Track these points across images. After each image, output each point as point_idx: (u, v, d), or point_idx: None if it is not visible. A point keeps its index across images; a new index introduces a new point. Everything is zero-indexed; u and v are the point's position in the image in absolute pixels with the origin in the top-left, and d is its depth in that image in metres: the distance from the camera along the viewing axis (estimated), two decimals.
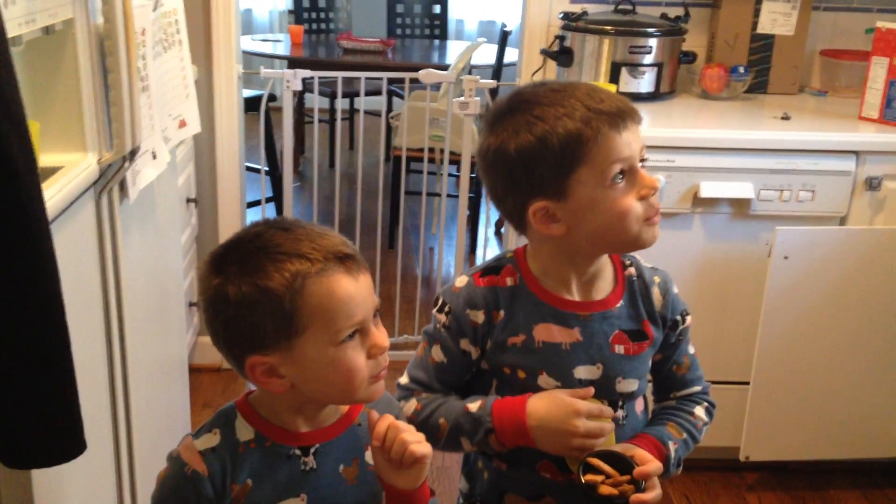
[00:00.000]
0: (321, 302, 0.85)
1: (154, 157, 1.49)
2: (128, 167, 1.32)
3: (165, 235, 1.74)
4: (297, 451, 0.93)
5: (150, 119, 1.42)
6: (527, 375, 1.08)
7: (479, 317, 1.08)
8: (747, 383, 2.05)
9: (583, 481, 1.02)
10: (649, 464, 1.04)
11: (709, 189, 1.94)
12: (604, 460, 1.03)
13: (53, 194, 1.07)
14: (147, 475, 1.54)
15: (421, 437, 0.93)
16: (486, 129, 1.05)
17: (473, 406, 1.07)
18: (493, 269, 1.10)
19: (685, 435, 1.14)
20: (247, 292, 0.84)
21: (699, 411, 1.17)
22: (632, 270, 1.13)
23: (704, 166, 1.94)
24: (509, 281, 1.09)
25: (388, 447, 0.91)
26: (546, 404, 1.04)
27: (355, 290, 0.87)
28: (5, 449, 0.90)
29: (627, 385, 1.10)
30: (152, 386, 1.62)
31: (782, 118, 2.09)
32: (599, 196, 1.01)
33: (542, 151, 0.99)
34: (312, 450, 0.93)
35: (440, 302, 1.11)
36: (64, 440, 0.92)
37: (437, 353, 1.11)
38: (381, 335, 0.90)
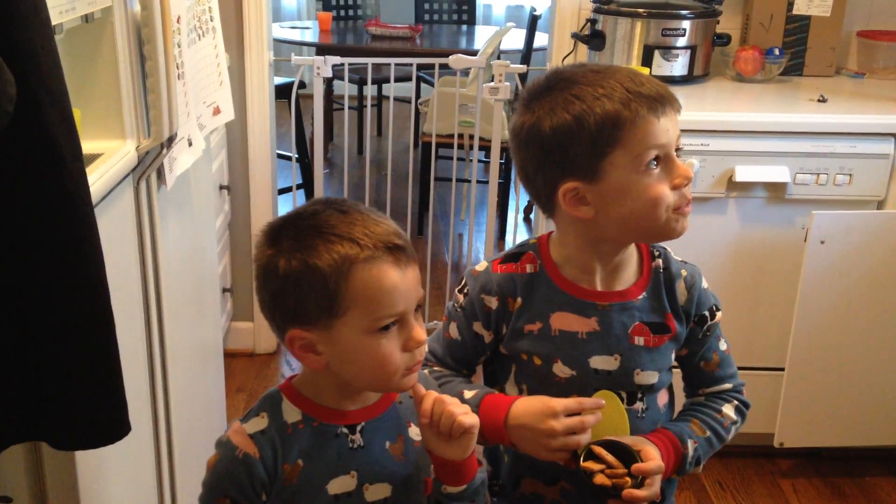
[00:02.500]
0: (365, 288, 0.86)
1: (190, 144, 1.50)
2: (165, 154, 1.34)
3: (201, 222, 1.76)
4: (345, 430, 0.94)
5: (185, 106, 1.43)
6: (542, 362, 1.08)
7: (493, 302, 1.09)
8: (782, 369, 2.03)
9: (580, 466, 1.02)
10: (650, 462, 1.02)
11: (744, 173, 1.92)
12: (609, 450, 1.03)
13: (94, 181, 1.08)
14: (185, 457, 1.56)
15: (466, 407, 0.94)
16: (521, 107, 1.04)
17: (469, 394, 1.07)
18: (513, 255, 1.11)
19: (708, 433, 1.12)
20: (295, 267, 0.86)
21: (727, 409, 1.14)
22: (659, 262, 1.11)
23: (739, 150, 1.92)
24: (529, 268, 1.09)
25: (437, 421, 0.92)
26: (525, 406, 1.03)
27: (400, 281, 0.88)
28: (53, 432, 0.92)
29: (646, 377, 1.08)
30: (189, 370, 1.64)
31: (819, 100, 2.06)
32: (632, 181, 0.99)
33: (577, 131, 0.98)
34: (359, 428, 0.95)
35: (462, 282, 1.13)
36: (109, 422, 0.94)
37: (453, 331, 1.13)
38: (419, 329, 0.90)
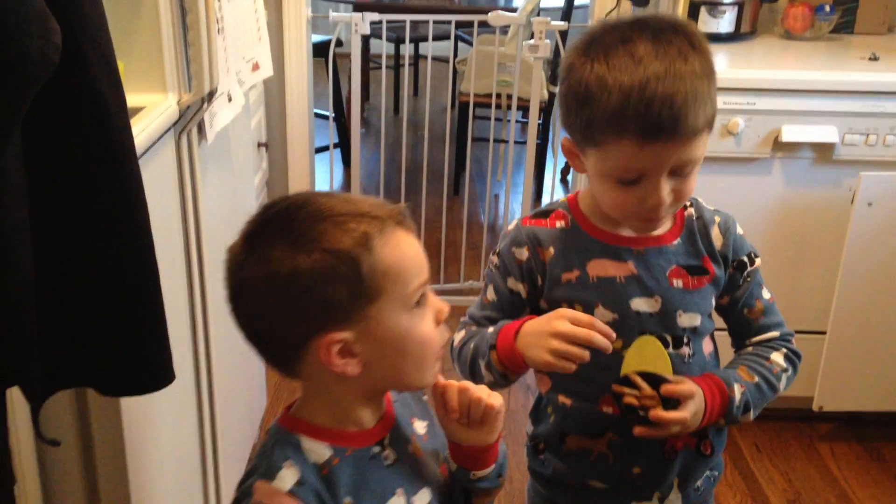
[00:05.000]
0: (392, 261, 0.78)
1: (230, 99, 1.50)
2: (206, 109, 1.34)
3: (240, 178, 1.77)
4: (376, 449, 0.86)
5: (225, 61, 1.43)
6: (584, 309, 1.07)
7: (524, 254, 1.10)
8: (823, 333, 2.01)
9: (612, 389, 1.02)
10: (681, 385, 1.02)
11: (791, 133, 1.87)
12: (647, 381, 1.03)
13: (137, 133, 1.09)
14: (226, 405, 1.59)
15: (487, 389, 0.90)
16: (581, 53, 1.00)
17: (491, 328, 1.08)
18: (542, 213, 1.12)
19: (757, 378, 1.10)
20: (317, 259, 0.75)
21: (776, 357, 1.12)
22: (691, 211, 1.11)
23: (786, 109, 1.87)
24: (559, 223, 1.10)
25: (465, 412, 0.88)
26: (537, 319, 1.02)
27: (416, 247, 0.82)
28: (100, 378, 0.93)
29: (690, 319, 1.08)
30: (229, 324, 1.65)
31: (870, 59, 1.99)
32: None
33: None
34: (386, 441, 0.87)
35: (497, 246, 1.15)
36: (155, 370, 0.95)
37: (490, 293, 1.13)
38: (440, 300, 0.85)
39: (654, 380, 1.03)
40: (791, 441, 2.15)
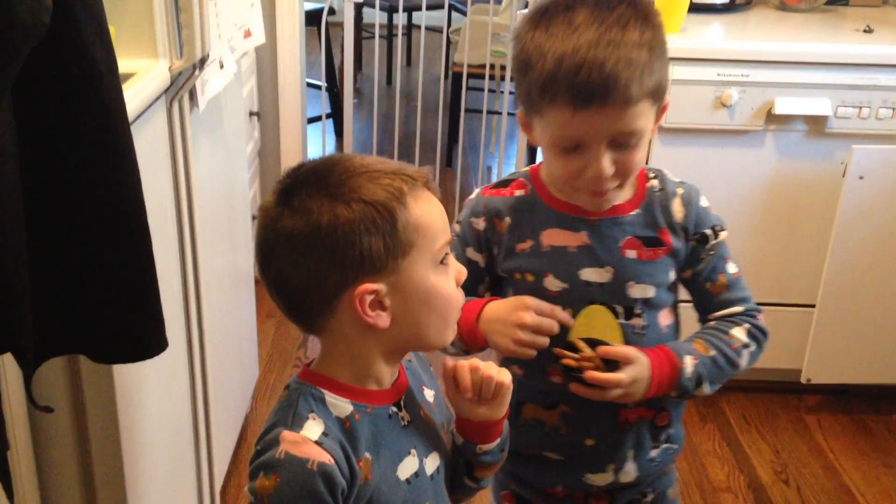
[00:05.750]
0: (424, 216, 0.82)
1: (221, 66, 1.49)
2: (197, 76, 1.33)
3: (232, 147, 1.76)
4: (394, 409, 0.88)
5: (217, 27, 1.41)
6: (534, 279, 1.09)
7: (481, 223, 1.11)
8: (812, 306, 2.02)
9: (553, 350, 1.04)
10: (620, 348, 1.04)
11: (784, 105, 1.87)
12: (591, 346, 1.04)
13: (128, 99, 1.07)
14: (218, 376, 1.60)
15: (496, 366, 0.92)
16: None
17: None
18: (503, 182, 1.13)
19: (713, 352, 1.09)
20: (356, 209, 0.78)
21: (737, 332, 1.11)
22: (654, 182, 1.10)
23: (780, 81, 1.87)
24: (518, 192, 1.11)
25: (478, 391, 0.90)
26: (500, 302, 1.05)
27: (440, 207, 0.86)
28: (93, 345, 0.94)
29: (642, 290, 1.08)
30: (221, 294, 1.66)
31: (864, 31, 1.99)
32: None
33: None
34: (402, 402, 0.89)
35: (459, 215, 1.16)
36: (148, 337, 0.95)
37: None
38: (456, 262, 0.88)
39: (597, 345, 1.04)
40: (779, 413, 2.17)
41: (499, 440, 0.96)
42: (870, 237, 1.95)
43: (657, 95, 0.99)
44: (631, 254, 1.07)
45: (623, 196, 1.08)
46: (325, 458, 0.79)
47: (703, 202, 1.11)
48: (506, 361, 1.15)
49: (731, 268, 1.13)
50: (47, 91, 0.81)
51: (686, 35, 1.92)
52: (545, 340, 1.03)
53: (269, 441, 0.80)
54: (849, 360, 2.08)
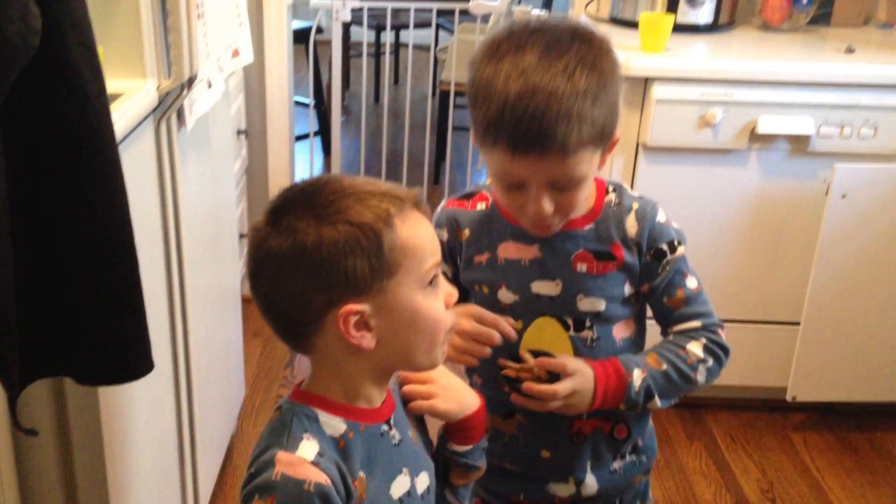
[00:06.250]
0: (411, 237, 0.82)
1: (209, 86, 1.49)
2: (185, 95, 1.33)
3: (219, 166, 1.76)
4: (385, 427, 0.88)
5: (205, 47, 1.42)
6: (489, 290, 1.12)
7: (444, 234, 1.15)
8: (797, 324, 2.03)
9: (498, 362, 1.07)
10: (557, 360, 1.06)
11: (767, 124, 1.89)
12: (536, 357, 1.06)
13: (116, 119, 1.07)
14: (204, 397, 1.59)
15: (424, 389, 0.95)
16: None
17: None
18: (467, 194, 1.16)
19: (665, 366, 1.09)
20: (341, 231, 0.79)
21: (693, 346, 1.10)
22: (611, 197, 1.11)
23: (763, 101, 1.89)
24: (480, 205, 1.14)
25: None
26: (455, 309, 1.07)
27: (431, 230, 0.86)
28: (79, 367, 0.93)
29: (591, 304, 1.09)
30: (208, 313, 1.65)
31: (846, 51, 2.01)
32: None
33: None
34: (392, 421, 0.90)
35: None
36: (133, 359, 0.95)
37: None
38: (448, 284, 0.89)
39: (542, 356, 1.06)
40: (765, 431, 2.18)
41: (475, 447, 0.98)
42: (853, 255, 1.97)
43: (601, 140, 0.99)
44: (581, 267, 1.09)
45: (579, 210, 1.08)
46: (322, 478, 0.78)
47: (660, 217, 1.11)
48: (468, 372, 1.18)
49: (691, 283, 1.12)
50: (35, 112, 0.81)
51: (670, 55, 1.94)
52: (484, 349, 1.05)
53: (264, 463, 0.80)
54: (834, 377, 2.09)
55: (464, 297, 1.16)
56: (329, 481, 0.79)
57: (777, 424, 2.20)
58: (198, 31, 1.33)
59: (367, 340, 0.82)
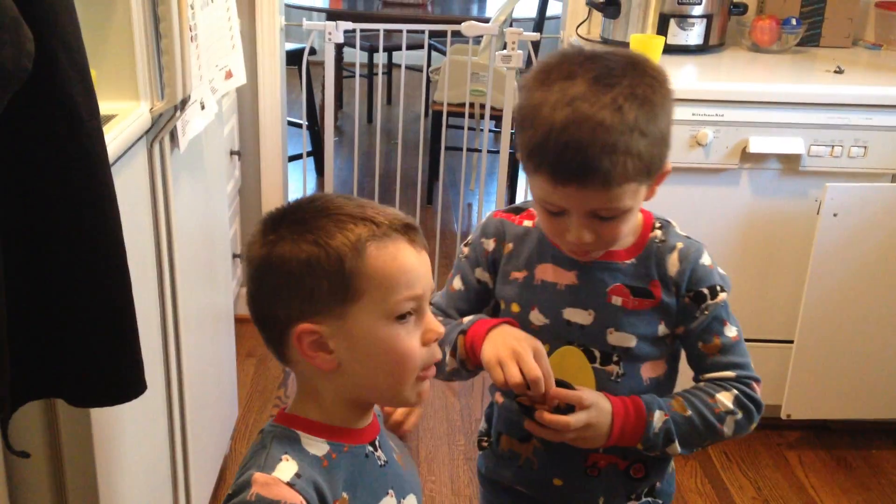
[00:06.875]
0: (383, 266, 0.80)
1: (202, 107, 1.50)
2: (178, 117, 1.33)
3: (212, 186, 1.76)
4: (370, 448, 0.88)
5: (198, 69, 1.42)
6: (520, 309, 1.10)
7: (490, 244, 1.13)
8: (791, 342, 2.04)
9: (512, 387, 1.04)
10: (574, 392, 1.03)
11: (758, 144, 1.91)
12: (557, 386, 1.03)
13: (109, 141, 1.07)
14: (197, 418, 1.58)
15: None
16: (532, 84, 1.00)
17: (466, 318, 1.11)
18: (515, 209, 1.15)
19: (690, 413, 1.05)
20: (306, 250, 0.79)
21: (723, 397, 1.05)
22: (657, 233, 1.08)
23: (754, 121, 1.91)
24: (526, 223, 1.13)
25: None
26: (524, 332, 1.05)
27: (418, 261, 0.83)
28: (71, 388, 0.92)
29: (622, 339, 1.06)
30: (201, 334, 1.65)
31: (835, 72, 2.04)
32: None
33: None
34: (377, 443, 0.89)
35: (469, 237, 1.18)
36: (125, 380, 0.94)
37: (457, 282, 1.16)
38: (435, 321, 0.86)
39: (562, 386, 1.04)
40: (760, 449, 2.18)
41: None
42: (845, 273, 1.98)
43: (647, 173, 0.97)
44: (617, 300, 1.06)
45: (623, 243, 1.07)
46: (297, 500, 0.77)
47: (704, 260, 1.07)
48: (492, 388, 1.16)
49: (730, 331, 1.08)
50: (28, 135, 0.81)
51: None
52: (519, 379, 0.99)
53: (242, 483, 0.79)
54: (828, 395, 2.09)
55: (497, 313, 1.15)
56: (304, 502, 0.78)
57: (772, 442, 2.20)
58: (191, 53, 1.34)
59: (325, 362, 0.82)
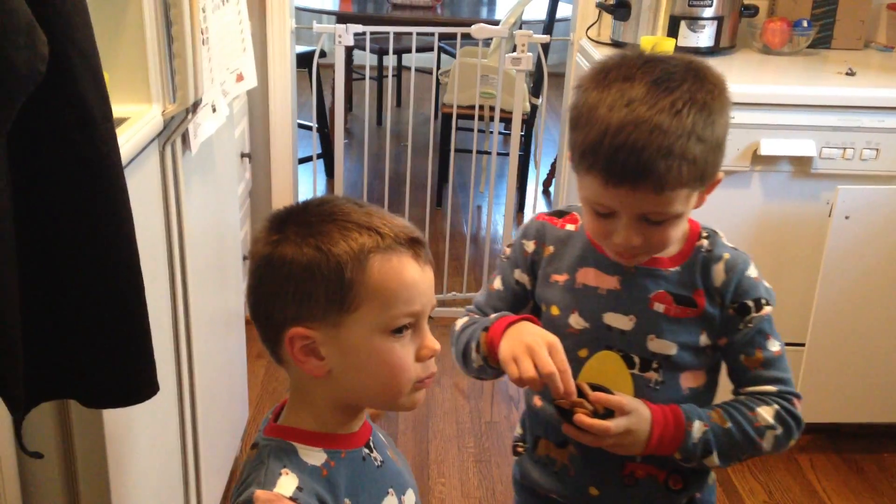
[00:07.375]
0: (384, 280, 0.79)
1: (214, 110, 1.50)
2: (190, 119, 1.34)
3: (223, 189, 1.77)
4: (366, 450, 0.88)
5: (210, 72, 1.43)
6: (560, 312, 1.09)
7: (531, 246, 1.13)
8: (802, 345, 2.03)
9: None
10: (613, 397, 1.02)
11: (769, 146, 1.90)
12: (594, 390, 1.03)
13: (121, 144, 1.08)
14: (208, 419, 1.58)
15: None
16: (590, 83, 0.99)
17: (493, 315, 1.11)
18: (559, 212, 1.15)
19: (730, 425, 1.04)
20: (307, 254, 0.78)
21: (764, 411, 1.04)
22: (704, 243, 1.08)
23: (765, 123, 1.90)
24: (569, 226, 1.12)
25: None
26: (541, 328, 1.04)
27: (420, 277, 0.82)
28: (84, 389, 0.93)
29: (662, 346, 1.05)
30: (212, 335, 1.66)
31: (847, 74, 2.03)
32: None
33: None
34: (371, 443, 0.89)
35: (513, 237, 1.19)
36: (138, 381, 0.95)
37: (497, 282, 1.17)
38: (432, 338, 0.85)
39: (599, 391, 1.03)
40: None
41: None
42: (857, 276, 1.97)
43: (701, 180, 0.97)
44: (659, 307, 1.05)
45: (668, 251, 1.06)
46: None
47: (751, 272, 1.06)
48: (528, 391, 1.16)
49: (773, 345, 1.07)
50: (42, 138, 0.81)
51: None
52: (535, 376, 0.97)
53: (243, 502, 0.79)
54: (840, 398, 2.08)
55: (538, 312, 1.14)
56: None
57: None
58: (202, 56, 1.35)
59: (316, 367, 0.81)
